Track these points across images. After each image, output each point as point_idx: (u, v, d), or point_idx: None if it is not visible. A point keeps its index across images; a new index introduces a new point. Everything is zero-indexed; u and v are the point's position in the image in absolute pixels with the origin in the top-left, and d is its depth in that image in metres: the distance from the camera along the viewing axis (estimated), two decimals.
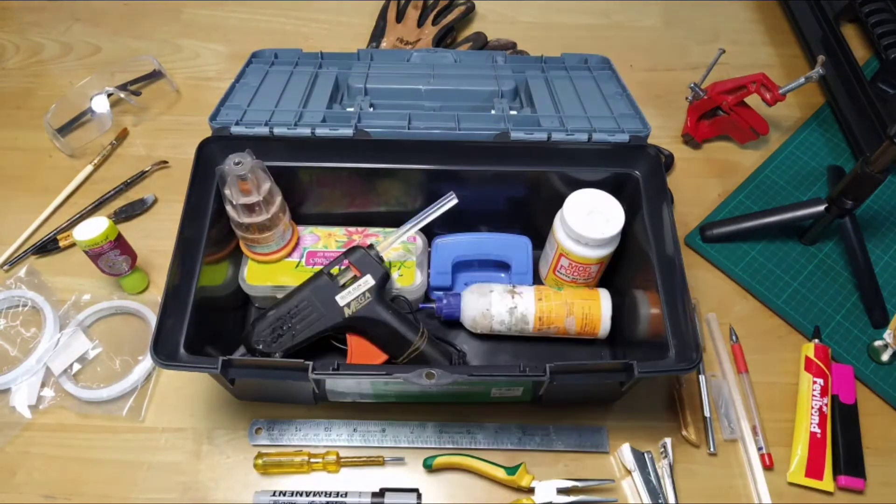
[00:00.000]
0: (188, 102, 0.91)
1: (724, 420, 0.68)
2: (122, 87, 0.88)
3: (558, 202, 0.68)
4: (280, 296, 0.68)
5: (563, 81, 0.76)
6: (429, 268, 0.72)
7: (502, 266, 0.74)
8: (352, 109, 0.71)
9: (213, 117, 0.68)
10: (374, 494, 0.62)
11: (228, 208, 0.64)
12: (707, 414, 0.68)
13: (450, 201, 0.64)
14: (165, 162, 0.84)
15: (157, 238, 0.79)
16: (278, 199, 0.66)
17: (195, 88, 0.93)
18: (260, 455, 0.65)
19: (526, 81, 0.76)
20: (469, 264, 0.74)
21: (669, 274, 0.61)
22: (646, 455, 0.64)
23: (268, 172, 0.64)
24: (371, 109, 0.72)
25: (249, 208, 0.63)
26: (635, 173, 0.68)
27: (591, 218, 0.65)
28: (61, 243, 0.78)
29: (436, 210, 0.64)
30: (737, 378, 0.71)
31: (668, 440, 0.65)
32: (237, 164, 0.60)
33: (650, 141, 0.68)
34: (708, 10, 1.03)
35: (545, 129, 0.68)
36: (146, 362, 0.69)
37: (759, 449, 0.66)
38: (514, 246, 0.73)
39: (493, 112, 0.72)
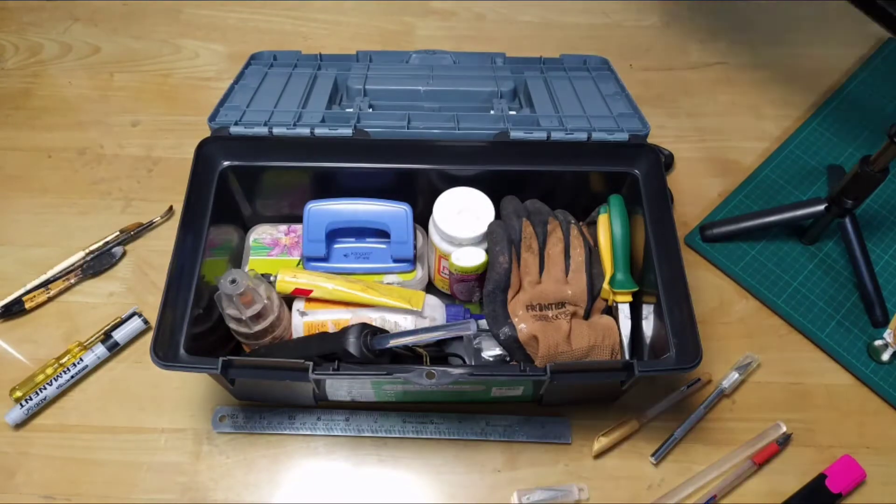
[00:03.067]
0: (187, 102, 0.91)
1: None
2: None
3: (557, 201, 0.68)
4: None
5: (562, 82, 0.76)
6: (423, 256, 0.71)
7: (382, 235, 0.69)
8: (351, 110, 0.71)
9: (212, 118, 0.68)
10: None
11: (234, 325, 0.62)
12: None
13: (466, 328, 0.60)
14: (171, 208, 0.81)
15: (156, 238, 0.79)
16: (273, 291, 0.63)
17: (194, 88, 0.93)
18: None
19: (525, 82, 0.76)
20: (347, 233, 0.70)
21: (670, 273, 0.61)
22: None
23: (260, 276, 0.62)
24: (370, 110, 0.71)
25: (258, 315, 0.61)
26: (635, 172, 0.68)
27: (461, 217, 0.65)
28: (27, 305, 0.73)
29: (450, 330, 0.60)
30: None
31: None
32: (232, 282, 0.58)
33: (650, 140, 0.68)
34: (707, 9, 1.03)
35: (544, 129, 0.67)
36: None
37: None
38: (392, 213, 0.67)
39: (492, 112, 0.72)
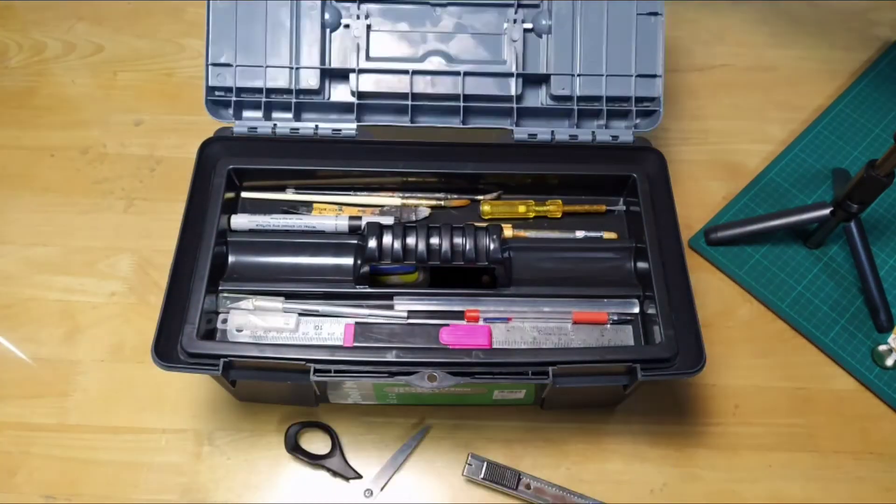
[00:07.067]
0: (190, 102, 0.91)
1: None
2: None
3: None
4: None
5: (596, 17, 0.67)
6: None
7: None
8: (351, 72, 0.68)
9: (207, 97, 0.69)
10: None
11: None
12: None
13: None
14: None
15: (158, 237, 0.79)
16: None
17: (198, 88, 0.92)
18: None
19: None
20: None
21: (673, 277, 0.61)
22: None
23: None
24: (367, 21, 0.67)
25: None
26: (639, 175, 0.67)
27: None
28: None
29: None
30: None
31: None
32: None
33: (654, 142, 0.68)
34: (712, 11, 1.03)
35: (549, 130, 0.67)
36: None
37: None
38: None
39: (503, 38, 0.67)
